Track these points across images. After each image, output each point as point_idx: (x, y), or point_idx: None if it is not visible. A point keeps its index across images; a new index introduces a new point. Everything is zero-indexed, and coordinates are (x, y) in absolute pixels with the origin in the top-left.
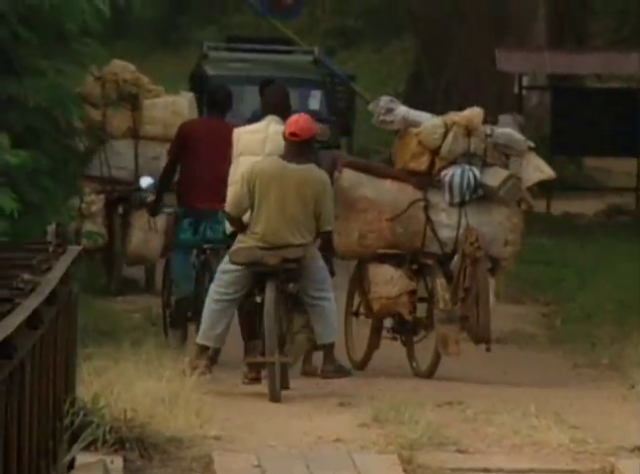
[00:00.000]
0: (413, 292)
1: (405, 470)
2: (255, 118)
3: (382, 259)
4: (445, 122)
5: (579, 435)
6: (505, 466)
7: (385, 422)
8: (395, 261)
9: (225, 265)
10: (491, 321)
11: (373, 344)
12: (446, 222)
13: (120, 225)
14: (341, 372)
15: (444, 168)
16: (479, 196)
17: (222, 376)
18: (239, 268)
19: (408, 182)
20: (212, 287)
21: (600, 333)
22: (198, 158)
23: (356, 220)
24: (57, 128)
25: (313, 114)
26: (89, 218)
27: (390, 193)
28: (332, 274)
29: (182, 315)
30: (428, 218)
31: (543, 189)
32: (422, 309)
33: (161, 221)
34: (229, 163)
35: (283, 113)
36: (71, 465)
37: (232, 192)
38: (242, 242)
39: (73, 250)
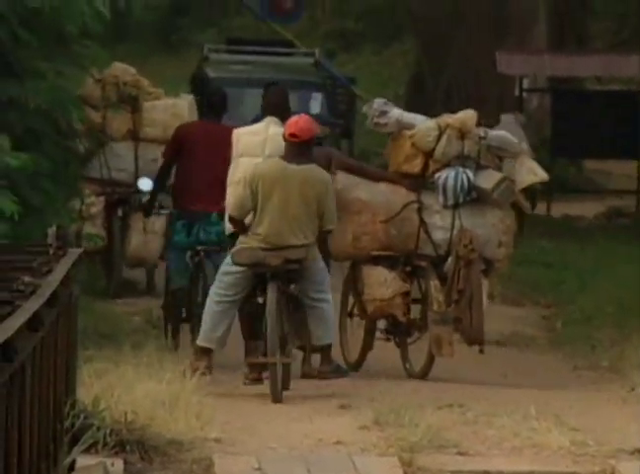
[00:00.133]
0: (407, 294)
1: (405, 473)
2: (257, 121)
3: (376, 261)
4: (439, 125)
5: (579, 438)
6: (505, 468)
7: (385, 424)
8: (389, 263)
9: (226, 266)
10: (484, 322)
11: (367, 345)
12: (440, 224)
13: (119, 227)
14: (338, 373)
15: (438, 170)
16: (473, 198)
17: (222, 378)
18: (240, 269)
19: (400, 184)
20: (213, 289)
21: (600, 335)
22: (193, 160)
23: (349, 222)
24: (58, 131)
25: (314, 116)
26: (89, 220)
27: (384, 195)
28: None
29: (176, 308)
30: (421, 220)
31: (543, 191)
32: (416, 311)
33: (160, 223)
34: (227, 164)
35: (283, 114)
36: (72, 467)
37: (233, 193)
38: (244, 243)
39: (74, 252)
